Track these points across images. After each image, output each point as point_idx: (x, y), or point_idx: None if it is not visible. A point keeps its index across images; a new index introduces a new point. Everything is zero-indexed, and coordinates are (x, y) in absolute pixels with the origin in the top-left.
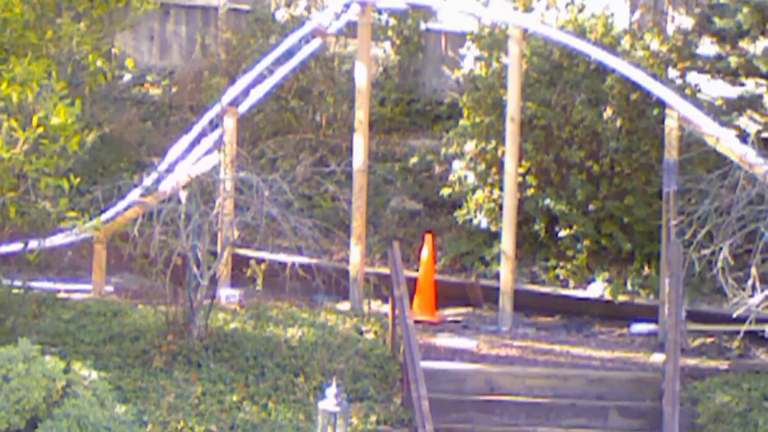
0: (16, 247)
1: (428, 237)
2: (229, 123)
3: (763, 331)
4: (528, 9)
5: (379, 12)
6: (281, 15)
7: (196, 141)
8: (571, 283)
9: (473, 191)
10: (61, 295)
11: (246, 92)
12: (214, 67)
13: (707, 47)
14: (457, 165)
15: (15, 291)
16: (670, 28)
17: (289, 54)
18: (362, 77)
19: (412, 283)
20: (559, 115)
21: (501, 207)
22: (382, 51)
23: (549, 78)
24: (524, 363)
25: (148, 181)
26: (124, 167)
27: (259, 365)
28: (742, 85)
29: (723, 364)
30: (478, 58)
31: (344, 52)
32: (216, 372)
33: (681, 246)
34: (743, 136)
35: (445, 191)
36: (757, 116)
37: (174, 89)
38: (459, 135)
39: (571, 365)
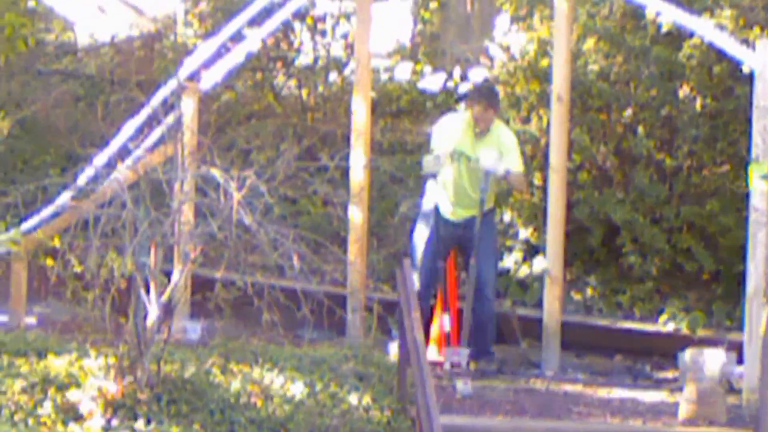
0: None
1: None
2: (189, 104)
3: None
4: None
5: None
6: None
7: (145, 127)
8: (637, 313)
9: (508, 193)
10: None
11: (210, 63)
12: (170, 30)
13: None
14: None
15: None
16: None
17: (267, 13)
18: (362, 43)
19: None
20: (621, 94)
21: (545, 213)
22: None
23: (607, 45)
24: (575, 418)
25: (82, 180)
26: (50, 161)
27: (228, 421)
28: None
29: None
30: (515, 19)
31: (338, 11)
32: (171, 429)
33: None
34: None
35: None
36: None
37: (116, 59)
38: None
39: (639, 419)
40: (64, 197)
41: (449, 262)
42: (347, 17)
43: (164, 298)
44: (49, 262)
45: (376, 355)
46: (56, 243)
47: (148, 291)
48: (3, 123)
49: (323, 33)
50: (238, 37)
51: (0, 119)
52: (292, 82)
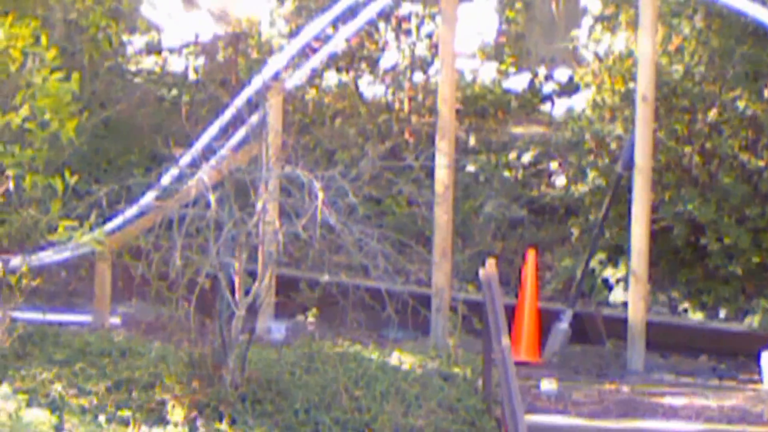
0: None
1: (531, 253)
2: (273, 104)
3: None
4: None
5: None
6: None
7: (230, 126)
8: (722, 312)
9: (593, 193)
10: (53, 328)
11: (295, 63)
12: (254, 30)
13: None
14: (573, 158)
15: None
16: None
17: (352, 13)
18: (447, 43)
19: (512, 312)
20: (706, 94)
21: (629, 213)
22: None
23: (692, 45)
24: (659, 418)
25: (166, 180)
26: (134, 161)
27: (312, 421)
28: None
29: None
30: (599, 19)
31: (423, 11)
32: (256, 430)
33: None
34: None
35: (556, 193)
36: None
37: (201, 59)
38: (575, 119)
39: (724, 421)
40: (149, 197)
41: (533, 261)
42: (432, 17)
43: (249, 298)
44: (134, 262)
45: (461, 354)
46: (141, 243)
47: (232, 291)
48: (88, 122)
49: (408, 33)
50: (322, 37)
51: (85, 119)
52: (377, 82)
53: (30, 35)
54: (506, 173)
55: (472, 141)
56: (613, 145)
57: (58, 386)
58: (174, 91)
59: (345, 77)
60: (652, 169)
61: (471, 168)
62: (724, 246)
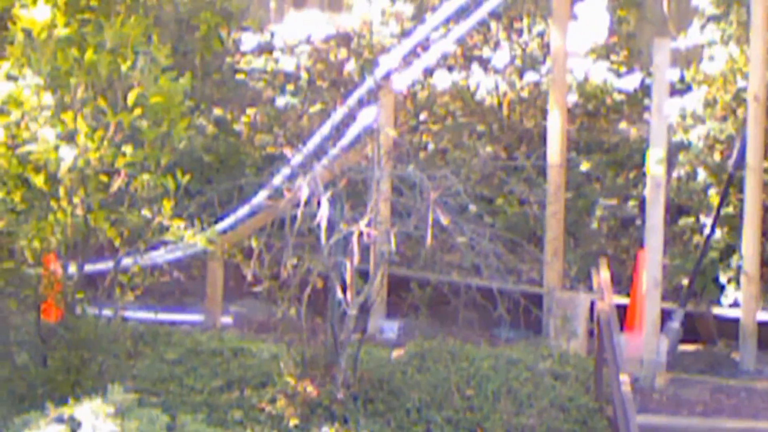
0: (106, 265)
1: (643, 253)
2: (385, 103)
3: None
4: None
5: None
6: None
7: (342, 126)
8: None
9: (704, 192)
10: (165, 328)
11: (406, 62)
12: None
13: None
14: (683, 157)
15: (104, 323)
16: None
17: (463, 12)
18: (559, 42)
19: (623, 312)
20: None
21: (741, 212)
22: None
23: None
24: None
25: (278, 179)
26: (245, 161)
27: (424, 420)
28: None
29: None
30: (711, 18)
31: (535, 10)
32: (367, 429)
33: None
34: None
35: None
36: None
37: (313, 59)
38: (686, 118)
39: None
40: (260, 196)
41: (644, 261)
42: (543, 16)
43: (361, 297)
44: (245, 261)
45: (573, 354)
46: (252, 242)
47: (344, 290)
48: (199, 121)
49: (519, 32)
50: (433, 36)
51: (196, 118)
52: (488, 81)
53: (141, 34)
54: (618, 172)
55: (583, 140)
56: (725, 145)
57: (169, 386)
58: (285, 91)
59: (456, 77)
60: (763, 169)
61: (582, 167)
62: None
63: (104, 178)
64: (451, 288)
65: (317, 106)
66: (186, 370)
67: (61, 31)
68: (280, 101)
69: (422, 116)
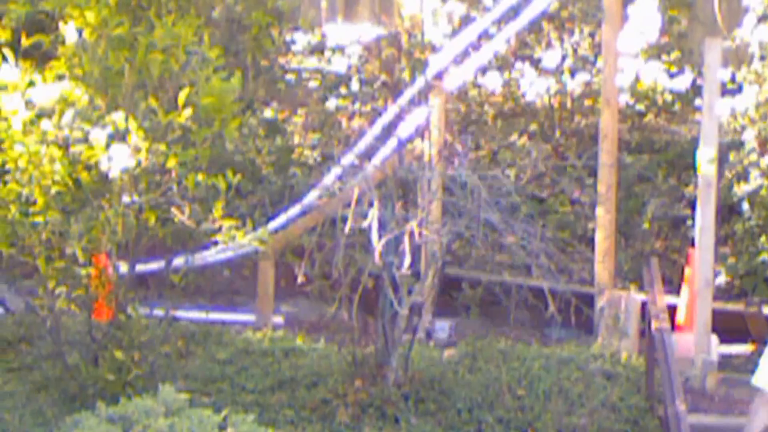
0: (157, 265)
1: (694, 252)
2: (435, 103)
3: None
4: None
5: None
6: None
7: (393, 126)
8: None
9: (756, 191)
10: (216, 328)
11: (457, 62)
12: (417, 30)
13: None
14: (734, 157)
15: (155, 323)
16: None
17: (514, 12)
18: (610, 42)
19: (674, 312)
20: None
21: None
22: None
23: None
24: None
25: (329, 179)
26: (296, 161)
27: (475, 420)
28: None
29: None
30: (762, 18)
31: (586, 10)
32: (419, 428)
33: None
34: None
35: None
36: None
37: (364, 59)
38: (737, 118)
39: None
40: (312, 196)
41: (695, 260)
42: (594, 16)
43: (412, 297)
44: (296, 261)
45: (624, 353)
46: (303, 242)
47: (395, 290)
48: (251, 122)
49: (571, 32)
50: (484, 37)
51: (247, 118)
52: (540, 81)
53: (193, 34)
54: (669, 172)
55: (634, 140)
56: None
57: (220, 385)
58: (336, 91)
59: (507, 77)
60: None
61: (633, 167)
62: None
63: (155, 178)
64: (503, 288)
65: (368, 106)
66: (237, 369)
67: (113, 31)
68: (331, 101)
69: (473, 116)
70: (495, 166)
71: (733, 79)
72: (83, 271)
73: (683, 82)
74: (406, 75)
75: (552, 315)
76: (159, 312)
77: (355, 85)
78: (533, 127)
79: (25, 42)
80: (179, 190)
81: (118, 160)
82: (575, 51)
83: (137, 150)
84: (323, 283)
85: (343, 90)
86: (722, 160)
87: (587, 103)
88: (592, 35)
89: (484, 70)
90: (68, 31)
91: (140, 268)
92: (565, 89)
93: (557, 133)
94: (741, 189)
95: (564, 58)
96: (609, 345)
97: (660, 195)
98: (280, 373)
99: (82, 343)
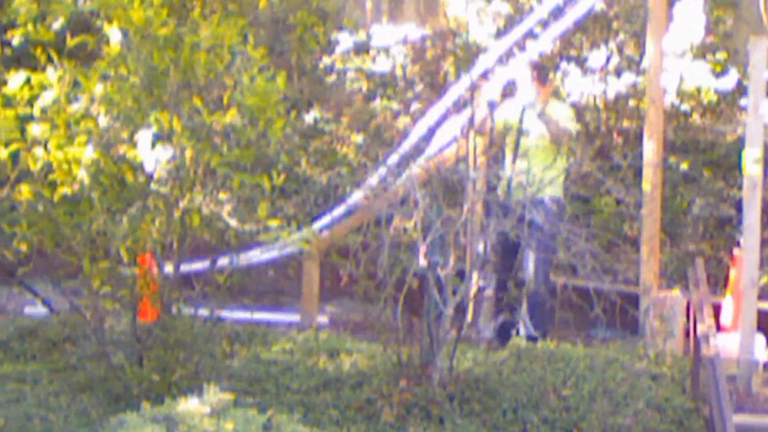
0: (202, 265)
1: (739, 252)
2: (481, 102)
3: None
4: None
5: None
6: None
7: (437, 126)
8: None
9: None
10: (260, 328)
11: (502, 63)
12: (462, 30)
13: None
14: None
15: (200, 323)
16: None
17: (559, 12)
18: (655, 42)
19: (719, 312)
20: None
21: None
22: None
23: None
24: None
25: (373, 179)
26: (341, 160)
27: (520, 420)
28: None
29: None
30: None
31: (631, 10)
32: (463, 429)
33: None
34: None
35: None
36: None
37: (409, 59)
38: None
39: None
40: (356, 196)
41: (741, 260)
42: (639, 16)
43: (457, 297)
44: (341, 261)
45: (669, 354)
46: (348, 242)
47: (440, 290)
48: (296, 122)
49: (616, 32)
50: (529, 36)
51: (293, 118)
52: (585, 81)
53: (237, 34)
54: (714, 172)
55: (679, 140)
56: None
57: (265, 385)
58: (382, 90)
59: (552, 76)
60: None
61: (679, 167)
62: None
63: (199, 179)
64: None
65: (413, 106)
66: (282, 369)
67: (158, 32)
68: (376, 101)
69: None
70: None
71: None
72: (128, 271)
73: (728, 82)
74: (451, 75)
75: (597, 315)
76: (204, 312)
77: (399, 85)
78: (579, 127)
79: (69, 42)
80: (224, 190)
81: (162, 161)
82: (620, 51)
83: (182, 150)
84: (368, 283)
85: (387, 90)
86: None
87: (632, 103)
88: (637, 35)
89: None
90: (113, 31)
91: (185, 268)
92: (610, 89)
93: (602, 133)
94: None
95: (609, 58)
96: (654, 345)
97: (705, 195)
98: (324, 373)
99: (126, 343)
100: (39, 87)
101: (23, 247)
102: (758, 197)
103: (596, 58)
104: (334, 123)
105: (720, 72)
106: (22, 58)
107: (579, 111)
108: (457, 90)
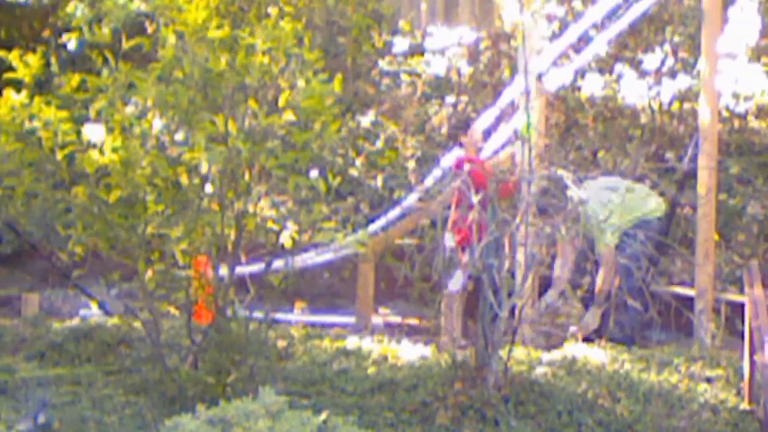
0: (256, 267)
1: None
2: (536, 104)
3: None
4: None
5: None
6: None
7: (492, 128)
8: None
9: None
10: (316, 330)
11: (557, 65)
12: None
13: None
14: None
15: (255, 325)
16: None
17: (614, 14)
18: (710, 44)
19: None
20: None
21: None
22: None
23: None
24: None
25: (429, 181)
26: (396, 163)
27: (575, 422)
28: None
29: None
30: None
31: (686, 12)
32: (518, 431)
33: None
34: None
35: None
36: None
37: (464, 61)
38: None
39: None
40: (411, 198)
41: None
42: (694, 18)
43: (512, 300)
44: (396, 263)
45: (724, 356)
46: (403, 244)
47: (495, 292)
48: (350, 124)
49: (671, 34)
50: (584, 39)
51: (347, 120)
52: (640, 83)
53: (293, 37)
54: None
55: (734, 142)
56: None
57: (321, 387)
58: (437, 93)
59: (607, 79)
60: None
61: (733, 169)
62: None
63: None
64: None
65: (468, 108)
66: (337, 371)
67: (214, 33)
68: (431, 103)
69: (573, 118)
70: (595, 168)
71: None
72: (183, 274)
73: None
74: (506, 77)
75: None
76: (259, 314)
77: (454, 87)
78: (634, 129)
79: (125, 44)
80: (279, 192)
81: (218, 163)
82: (675, 53)
83: (237, 152)
84: (423, 286)
85: (443, 92)
86: None
87: (687, 105)
88: (692, 37)
89: (583, 73)
90: (168, 33)
91: (240, 270)
92: (665, 91)
93: (657, 135)
94: None
95: (664, 60)
96: (709, 347)
97: (760, 198)
98: (379, 376)
99: (181, 345)
100: (94, 89)
101: (78, 250)
102: None
103: (651, 60)
104: (389, 125)
105: None
106: (78, 61)
107: (634, 113)
108: (511, 92)
